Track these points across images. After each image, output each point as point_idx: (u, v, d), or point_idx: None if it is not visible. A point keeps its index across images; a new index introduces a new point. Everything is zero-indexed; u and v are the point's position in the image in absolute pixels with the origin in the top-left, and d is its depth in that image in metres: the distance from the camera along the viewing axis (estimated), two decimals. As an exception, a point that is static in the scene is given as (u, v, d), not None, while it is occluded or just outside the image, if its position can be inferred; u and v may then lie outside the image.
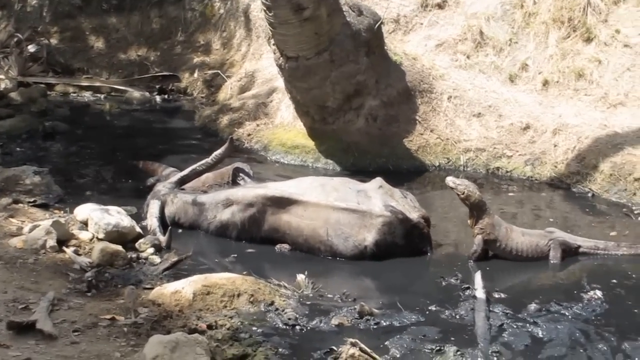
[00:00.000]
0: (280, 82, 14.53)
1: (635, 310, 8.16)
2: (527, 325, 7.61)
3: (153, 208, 9.93)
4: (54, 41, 20.51)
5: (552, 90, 14.32)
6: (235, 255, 9.35)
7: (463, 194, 9.45)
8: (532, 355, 7.08)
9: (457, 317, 7.82)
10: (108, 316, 7.07)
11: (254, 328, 7.22)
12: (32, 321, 6.56)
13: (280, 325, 7.37)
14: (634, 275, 9.12)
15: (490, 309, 7.90)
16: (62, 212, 9.87)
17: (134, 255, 8.88)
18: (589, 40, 14.65)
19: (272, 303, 7.74)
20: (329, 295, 8.26)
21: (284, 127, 14.45)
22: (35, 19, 21.00)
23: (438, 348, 6.99)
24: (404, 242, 9.37)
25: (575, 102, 14.00)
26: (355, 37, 13.17)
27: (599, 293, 8.41)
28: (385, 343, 7.07)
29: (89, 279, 7.89)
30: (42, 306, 6.89)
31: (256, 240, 9.67)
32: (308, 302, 7.98)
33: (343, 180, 10.12)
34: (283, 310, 7.63)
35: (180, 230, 9.96)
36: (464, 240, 9.86)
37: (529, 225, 10.41)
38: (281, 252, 9.52)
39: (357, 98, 13.69)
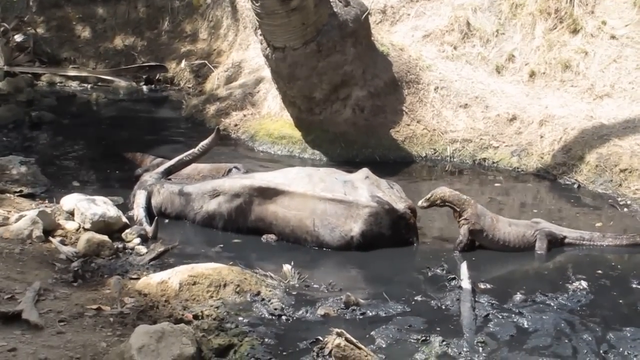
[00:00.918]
0: (267, 72, 14.54)
1: (620, 301, 8.18)
2: (513, 315, 7.63)
3: (139, 198, 9.92)
4: (40, 31, 20.51)
5: (539, 82, 14.35)
6: (222, 245, 9.35)
7: (436, 200, 9.53)
8: (518, 345, 7.10)
9: (443, 307, 7.84)
10: (94, 306, 7.07)
11: (240, 318, 7.23)
12: (18, 311, 6.55)
13: (267, 315, 7.38)
14: (619, 266, 9.15)
15: (476, 299, 7.92)
16: (48, 202, 9.86)
17: (120, 246, 8.88)
18: (575, 31, 14.68)
19: (258, 293, 7.74)
20: (315, 286, 8.27)
21: (271, 117, 14.46)
22: (21, 9, 21.00)
23: (424, 338, 7.01)
24: (391, 232, 9.38)
25: (562, 93, 14.04)
26: (342, 28, 13.17)
27: (584, 284, 8.45)
28: (371, 333, 7.09)
29: (75, 269, 7.88)
30: (28, 296, 6.88)
31: (242, 230, 9.67)
32: (294, 293, 7.98)
33: (329, 171, 10.10)
34: (269, 301, 7.64)
35: (166, 221, 9.95)
36: (450, 230, 9.86)
37: (515, 216, 10.43)
38: (267, 242, 9.52)
39: (344, 89, 13.69)
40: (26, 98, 16.60)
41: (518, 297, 8.06)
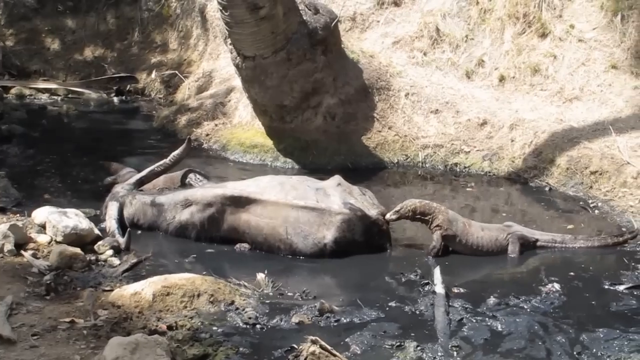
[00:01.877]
0: (238, 82, 14.53)
1: (593, 302, 8.23)
2: (486, 319, 7.65)
3: (111, 210, 9.88)
4: (9, 43, 20.44)
5: (509, 86, 14.44)
6: (195, 255, 9.32)
7: (407, 212, 9.57)
8: (492, 348, 7.12)
9: (417, 312, 7.85)
10: (67, 319, 7.04)
11: (215, 328, 7.21)
12: (-10, 326, 6.53)
13: (241, 324, 7.36)
14: (591, 268, 9.21)
15: (450, 303, 7.94)
16: (19, 215, 9.79)
17: (92, 258, 8.83)
18: (544, 35, 14.78)
19: (232, 302, 7.73)
20: (289, 294, 8.26)
21: (243, 126, 14.46)
22: (-10, 22, 20.88)
23: (398, 344, 7.02)
24: (364, 239, 9.39)
25: (532, 97, 14.13)
26: (311, 36, 13.20)
27: (557, 286, 8.49)
28: (346, 340, 7.08)
29: (48, 282, 7.83)
30: (0, 310, 6.85)
31: (216, 240, 9.64)
32: (268, 301, 7.97)
33: (302, 179, 10.10)
34: (243, 310, 7.63)
35: (139, 232, 9.91)
36: (423, 236, 9.88)
37: (488, 220, 10.50)
38: (241, 251, 9.50)
39: (315, 96, 13.72)
40: (-4, 111, 16.53)
41: (491, 300, 8.09)
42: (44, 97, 18.70)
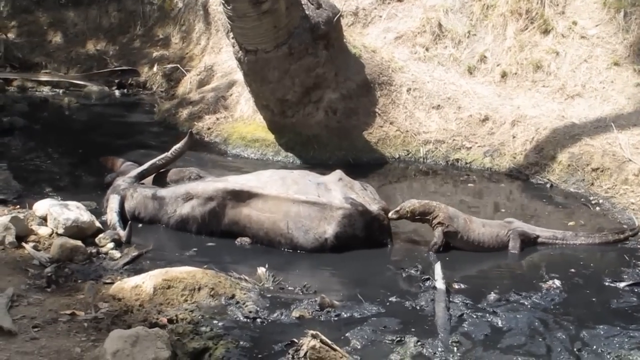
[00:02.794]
0: (239, 76, 14.51)
1: (593, 299, 8.24)
2: (487, 315, 7.67)
3: (113, 203, 9.89)
4: (11, 36, 20.41)
5: (511, 82, 14.43)
6: (196, 249, 9.33)
7: (406, 213, 9.58)
8: (492, 344, 7.13)
9: (418, 308, 7.86)
10: (68, 311, 7.05)
11: (215, 321, 7.22)
12: (-9, 318, 6.53)
13: (241, 318, 7.38)
14: (591, 265, 9.23)
15: (450, 299, 7.96)
16: (20, 207, 9.79)
17: (93, 250, 8.84)
18: (546, 32, 14.77)
19: (232, 296, 7.74)
20: (290, 288, 8.27)
21: (244, 120, 14.44)
22: (-8, 14, 20.86)
23: (398, 339, 7.03)
24: (364, 234, 9.40)
25: (533, 93, 14.12)
26: (314, 30, 13.18)
27: (557, 282, 8.51)
28: (346, 335, 7.11)
29: (49, 274, 7.85)
30: (1, 302, 6.85)
31: (216, 233, 9.65)
32: (269, 295, 7.99)
33: (303, 173, 10.11)
34: (244, 304, 7.64)
35: (140, 225, 9.92)
36: (424, 231, 9.88)
37: (489, 216, 10.50)
38: (241, 245, 9.50)
39: (316, 91, 13.70)
40: (-3, 104, 16.52)
41: (492, 296, 8.11)
42: (45, 90, 18.66)
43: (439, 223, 9.46)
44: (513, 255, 9.49)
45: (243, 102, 14.68)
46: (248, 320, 7.36)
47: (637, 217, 10.58)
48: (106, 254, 8.87)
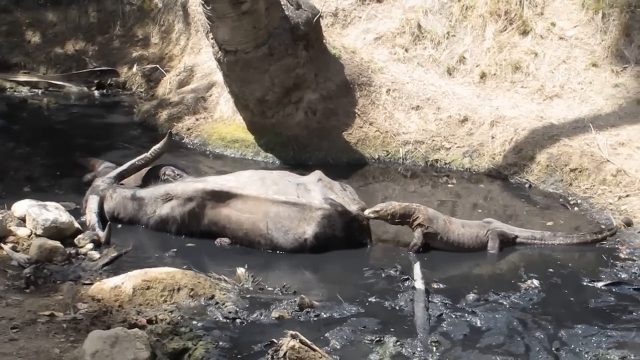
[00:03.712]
0: (219, 76, 14.50)
1: (572, 299, 8.29)
2: (466, 315, 7.70)
3: (92, 203, 9.87)
4: (-11, 36, 20.27)
5: (490, 83, 14.47)
6: (175, 249, 9.32)
7: (386, 215, 9.59)
8: (471, 344, 7.16)
9: (397, 308, 7.89)
10: (47, 312, 7.03)
11: (194, 322, 7.22)
12: (-31, 318, 6.51)
13: (221, 318, 7.38)
14: (569, 264, 9.28)
15: (429, 299, 7.98)
16: (-1, 208, 9.78)
17: (72, 251, 8.82)
18: (525, 33, 14.82)
19: (212, 297, 7.75)
20: (269, 289, 8.28)
21: (224, 121, 14.43)
22: (-31, 14, 20.74)
23: (378, 339, 7.05)
24: (344, 234, 9.42)
25: (512, 94, 14.17)
26: (293, 31, 13.19)
27: (536, 282, 8.55)
28: (326, 335, 7.12)
29: (27, 275, 7.82)
30: (-21, 303, 6.85)
31: (196, 234, 9.65)
32: (248, 296, 8.00)
33: (282, 174, 10.13)
34: (223, 304, 7.64)
35: (119, 226, 9.90)
36: (403, 232, 9.89)
37: (468, 217, 10.53)
38: (221, 246, 9.51)
39: (296, 92, 13.71)
40: (-24, 104, 16.45)
41: (471, 296, 8.14)
42: (24, 90, 18.55)
43: (418, 224, 9.49)
44: (492, 256, 9.54)
45: (223, 103, 14.67)
46: (227, 320, 7.36)
47: (615, 217, 10.62)
48: (85, 254, 8.85)
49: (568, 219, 11.02)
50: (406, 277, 8.55)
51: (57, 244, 8.66)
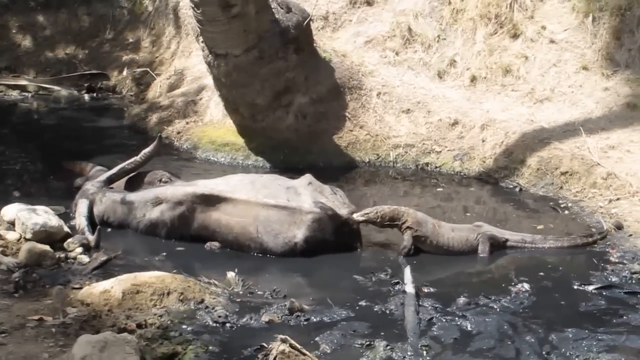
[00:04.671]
0: (209, 80, 14.48)
1: (562, 302, 8.28)
2: (456, 318, 7.69)
3: (81, 207, 9.85)
4: (-21, 40, 20.24)
5: (480, 86, 14.46)
6: (165, 253, 9.31)
7: (376, 218, 9.59)
8: (461, 348, 7.15)
9: (387, 312, 7.87)
10: (36, 317, 7.01)
11: (184, 326, 7.21)
12: (-43, 323, 6.49)
13: (211, 323, 7.37)
14: (560, 268, 9.27)
15: (420, 303, 7.96)
16: (-12, 212, 9.74)
17: (62, 255, 8.80)
18: (515, 36, 14.83)
19: (202, 301, 7.73)
20: (259, 293, 8.26)
21: (214, 124, 14.41)
22: (-41, 18, 20.70)
23: (368, 343, 7.04)
24: (334, 238, 9.40)
25: (503, 97, 14.16)
26: (283, 34, 13.18)
27: (526, 286, 8.54)
28: (316, 339, 7.11)
29: (16, 279, 7.80)
30: (-33, 308, 6.82)
31: (186, 238, 9.63)
32: (238, 300, 7.98)
33: (272, 177, 10.11)
34: (213, 308, 7.63)
35: (109, 230, 9.87)
36: (394, 236, 9.88)
37: (459, 220, 10.54)
38: (211, 249, 9.48)
39: (286, 95, 13.70)
40: (-35, 108, 16.42)
41: (461, 300, 8.13)
42: (14, 94, 18.54)
43: (407, 227, 9.48)
44: (482, 259, 9.53)
45: (213, 107, 14.65)
46: (217, 324, 7.34)
47: (606, 221, 10.62)
48: (75, 258, 8.83)
49: (558, 222, 11.01)
50: (396, 280, 8.53)
51: (47, 248, 8.63)
